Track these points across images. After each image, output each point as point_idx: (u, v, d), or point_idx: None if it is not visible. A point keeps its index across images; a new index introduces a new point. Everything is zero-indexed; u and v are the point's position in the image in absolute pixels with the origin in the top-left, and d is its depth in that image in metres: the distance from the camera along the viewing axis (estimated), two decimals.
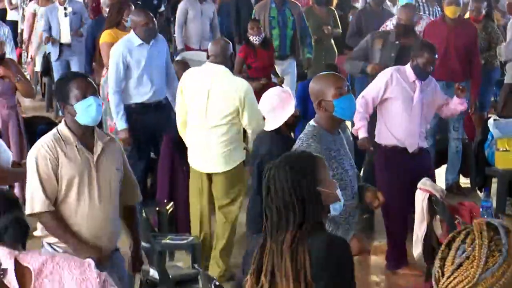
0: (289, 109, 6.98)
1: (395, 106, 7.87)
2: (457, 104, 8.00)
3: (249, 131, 7.71)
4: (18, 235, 3.52)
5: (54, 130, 5.17)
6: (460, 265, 2.64)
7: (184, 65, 9.02)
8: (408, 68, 7.85)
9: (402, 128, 7.86)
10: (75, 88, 5.05)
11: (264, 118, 7.31)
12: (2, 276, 2.39)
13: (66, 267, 3.32)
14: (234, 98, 7.49)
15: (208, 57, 7.73)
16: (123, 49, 8.85)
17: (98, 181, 5.11)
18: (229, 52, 7.71)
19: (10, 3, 16.50)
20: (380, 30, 10.50)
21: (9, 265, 3.21)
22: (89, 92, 5.06)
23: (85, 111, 5.02)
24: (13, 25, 14.75)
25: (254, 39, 10.93)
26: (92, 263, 3.39)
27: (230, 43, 8.05)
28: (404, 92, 7.83)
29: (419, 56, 7.74)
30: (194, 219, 7.84)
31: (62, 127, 5.15)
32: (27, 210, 5.02)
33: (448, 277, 2.65)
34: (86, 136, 5.13)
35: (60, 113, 13.05)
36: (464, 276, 2.63)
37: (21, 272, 3.22)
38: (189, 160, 7.80)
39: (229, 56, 7.69)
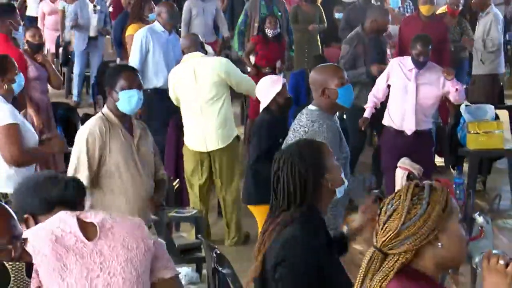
0: (277, 87, 6.92)
1: (394, 91, 8.00)
2: (454, 92, 8.04)
3: (245, 93, 7.81)
4: (80, 194, 3.51)
5: (100, 114, 5.20)
6: (389, 216, 2.77)
7: None
8: (409, 57, 7.97)
9: (399, 112, 7.95)
10: (123, 79, 5.10)
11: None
12: (24, 244, 2.33)
13: (122, 223, 3.37)
14: (217, 74, 7.56)
15: (193, 50, 7.78)
16: (146, 33, 8.87)
17: (140, 161, 5.16)
18: (198, 41, 7.85)
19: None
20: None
21: (73, 223, 3.24)
22: (134, 85, 5.12)
23: (127, 100, 5.06)
24: (34, 21, 14.66)
25: (269, 32, 10.85)
26: (142, 222, 3.46)
27: (197, 35, 8.26)
28: (402, 79, 7.95)
29: (413, 48, 7.85)
30: (194, 198, 7.83)
31: (106, 111, 5.18)
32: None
33: (382, 228, 2.78)
34: (125, 121, 5.18)
35: (75, 99, 13.18)
36: (392, 225, 2.75)
37: (85, 227, 3.27)
38: (187, 142, 7.79)
39: (199, 45, 7.81)
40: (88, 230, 3.26)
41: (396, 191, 2.83)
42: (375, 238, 2.81)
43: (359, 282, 2.80)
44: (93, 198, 5.14)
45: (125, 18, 11.32)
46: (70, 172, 5.15)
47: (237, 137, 7.85)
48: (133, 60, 8.75)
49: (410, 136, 7.91)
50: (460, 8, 11.21)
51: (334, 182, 3.84)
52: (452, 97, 8.07)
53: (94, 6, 13.27)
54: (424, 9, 10.18)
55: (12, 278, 2.20)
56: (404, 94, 7.91)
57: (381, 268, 2.76)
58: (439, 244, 2.75)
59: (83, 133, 5.18)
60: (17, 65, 6.01)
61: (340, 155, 5.08)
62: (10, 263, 2.21)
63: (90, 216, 3.32)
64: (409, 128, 7.90)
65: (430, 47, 7.92)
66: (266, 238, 3.75)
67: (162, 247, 3.48)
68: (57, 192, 3.39)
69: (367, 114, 8.26)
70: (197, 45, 7.76)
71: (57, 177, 3.54)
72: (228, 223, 7.79)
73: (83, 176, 5.00)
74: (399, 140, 7.90)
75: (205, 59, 7.73)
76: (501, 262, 2.74)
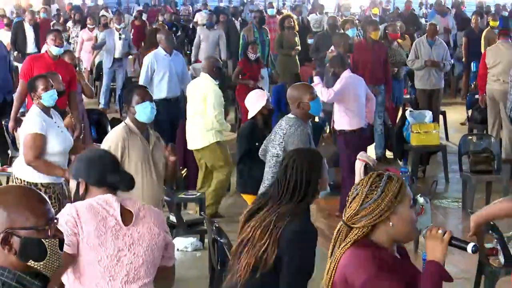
0: (262, 101, 6.85)
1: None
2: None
3: (211, 118, 7.60)
4: (128, 188, 3.43)
5: (123, 124, 5.06)
6: (353, 198, 2.80)
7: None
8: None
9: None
10: (137, 95, 4.99)
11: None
12: (56, 223, 2.24)
13: (151, 212, 3.34)
14: (203, 92, 7.63)
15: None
16: (152, 58, 8.85)
17: (154, 165, 5.00)
18: (212, 65, 7.81)
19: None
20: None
21: (117, 207, 3.23)
22: (146, 98, 5.00)
23: (142, 111, 4.94)
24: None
25: (251, 56, 10.96)
26: (162, 213, 3.42)
27: (216, 58, 8.38)
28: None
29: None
30: (199, 183, 7.90)
31: (128, 121, 5.03)
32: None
33: (348, 206, 2.82)
34: (143, 130, 5.01)
35: (102, 106, 13.19)
36: (353, 206, 2.79)
37: (124, 213, 3.25)
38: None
39: (212, 67, 7.78)
40: (126, 216, 3.25)
41: (361, 179, 2.87)
42: (343, 214, 2.83)
43: (331, 248, 2.85)
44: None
45: None
46: None
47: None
48: (141, 79, 8.85)
49: (358, 133, 7.87)
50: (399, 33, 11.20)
51: (322, 186, 3.83)
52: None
53: (120, 34, 13.30)
54: (374, 35, 10.01)
55: (48, 252, 2.19)
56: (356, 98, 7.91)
57: (346, 238, 2.80)
58: (390, 223, 2.76)
59: (108, 141, 5.03)
60: (46, 83, 5.75)
61: None
62: (46, 239, 2.19)
63: (129, 204, 3.30)
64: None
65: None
66: (262, 228, 3.60)
67: (171, 240, 3.42)
68: (113, 177, 3.34)
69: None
70: (209, 68, 7.78)
71: (119, 165, 3.50)
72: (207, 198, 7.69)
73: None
74: (354, 138, 7.81)
75: (202, 79, 7.75)
76: (440, 231, 2.81)
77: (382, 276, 2.69)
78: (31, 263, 2.18)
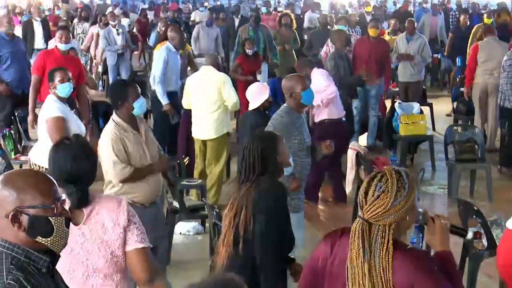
0: (264, 95, 6.98)
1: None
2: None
3: (229, 106, 7.59)
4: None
5: (113, 122, 4.86)
6: (378, 196, 2.67)
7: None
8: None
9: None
10: (132, 92, 4.87)
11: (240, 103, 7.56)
12: (63, 203, 2.28)
13: (106, 205, 3.19)
14: (216, 82, 7.49)
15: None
16: (166, 51, 8.71)
17: (149, 151, 4.92)
18: (218, 59, 7.85)
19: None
20: (325, 49, 10.55)
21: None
22: (139, 94, 4.93)
23: (139, 107, 4.88)
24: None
25: (248, 51, 10.95)
26: (123, 201, 3.24)
27: (217, 55, 8.32)
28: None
29: None
30: (197, 172, 7.81)
31: (117, 119, 4.86)
32: (115, 180, 4.78)
33: (370, 205, 2.68)
34: (133, 122, 4.90)
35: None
36: (381, 204, 2.67)
37: (76, 214, 3.13)
38: (193, 132, 7.72)
39: (216, 61, 7.75)
40: (77, 215, 3.13)
41: (377, 175, 2.72)
42: (360, 212, 2.71)
43: (360, 248, 2.67)
44: (125, 186, 4.83)
45: None
46: (109, 172, 4.81)
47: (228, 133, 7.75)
48: (158, 72, 8.59)
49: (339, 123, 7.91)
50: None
51: (282, 163, 3.85)
52: None
53: (117, 30, 13.37)
54: (371, 32, 10.16)
55: (55, 229, 2.23)
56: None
57: (372, 235, 2.67)
58: (407, 217, 2.71)
59: (106, 140, 4.82)
60: (63, 76, 5.90)
61: (292, 142, 5.10)
62: (53, 217, 2.23)
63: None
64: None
65: None
66: (243, 196, 3.69)
67: (137, 221, 3.24)
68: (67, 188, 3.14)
69: None
70: (212, 61, 7.74)
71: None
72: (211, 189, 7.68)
73: (122, 170, 4.75)
74: (335, 128, 7.79)
75: (212, 71, 7.62)
76: (443, 221, 2.80)
77: (441, 278, 2.65)
78: (39, 239, 2.22)
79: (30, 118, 8.00)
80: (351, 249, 2.69)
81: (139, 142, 4.89)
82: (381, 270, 2.63)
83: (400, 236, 2.75)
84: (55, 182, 2.29)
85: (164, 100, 8.54)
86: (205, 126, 7.60)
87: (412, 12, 19.42)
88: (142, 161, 4.87)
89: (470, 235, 2.85)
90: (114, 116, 4.91)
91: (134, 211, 3.26)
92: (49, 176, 2.30)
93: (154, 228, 4.71)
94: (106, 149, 4.79)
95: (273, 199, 3.68)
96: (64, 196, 2.32)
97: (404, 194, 2.67)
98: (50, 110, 5.74)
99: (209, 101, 7.52)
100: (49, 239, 2.23)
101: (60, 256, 2.31)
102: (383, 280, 2.63)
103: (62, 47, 8.06)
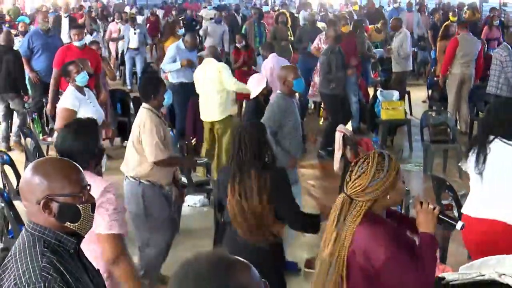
0: (263, 84, 6.89)
1: None
2: None
3: (231, 90, 7.63)
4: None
5: (149, 112, 4.76)
6: (359, 176, 2.68)
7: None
8: None
9: None
10: (162, 87, 4.83)
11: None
12: (89, 190, 2.20)
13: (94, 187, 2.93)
14: (215, 71, 7.48)
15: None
16: (176, 48, 8.75)
17: (170, 140, 4.91)
18: (216, 51, 7.85)
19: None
20: (315, 43, 10.47)
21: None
22: (166, 88, 4.91)
23: (168, 97, 4.85)
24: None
25: (239, 45, 10.90)
26: (110, 186, 3.06)
27: (217, 48, 8.32)
28: None
29: None
30: (203, 152, 7.78)
31: (150, 107, 4.78)
32: (151, 158, 4.67)
33: (352, 182, 2.69)
34: (159, 112, 4.88)
35: (128, 87, 13.14)
36: (360, 183, 2.67)
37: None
38: (201, 115, 7.71)
39: (215, 53, 7.75)
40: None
41: (363, 157, 2.71)
42: (345, 187, 2.70)
43: (336, 218, 2.68)
44: (155, 168, 4.76)
45: None
46: (151, 152, 4.69)
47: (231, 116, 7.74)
48: (164, 63, 8.72)
49: None
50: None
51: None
52: None
53: (134, 29, 13.29)
54: (343, 28, 10.36)
55: (82, 215, 2.18)
56: None
57: (350, 209, 2.67)
58: (388, 196, 2.68)
59: (150, 122, 4.72)
60: (77, 67, 5.84)
61: (288, 122, 5.21)
62: (80, 204, 2.17)
63: None
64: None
65: None
66: (246, 181, 3.62)
67: (111, 209, 3.02)
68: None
69: None
70: (213, 53, 7.72)
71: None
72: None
73: (162, 151, 4.68)
74: None
75: (212, 61, 7.61)
76: (431, 206, 2.74)
77: (401, 253, 2.59)
78: (67, 224, 2.17)
79: (48, 106, 8.01)
80: (329, 219, 2.71)
81: (165, 128, 4.90)
82: (344, 238, 2.64)
83: (381, 212, 2.73)
84: (81, 170, 2.22)
85: (175, 66, 8.62)
86: (211, 109, 7.59)
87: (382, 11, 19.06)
88: (169, 148, 4.85)
89: (459, 226, 2.78)
90: (146, 106, 4.81)
91: (115, 199, 3.04)
92: (77, 164, 2.23)
93: (170, 203, 4.90)
94: (150, 131, 4.71)
95: (283, 178, 3.69)
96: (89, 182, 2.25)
97: (381, 176, 2.65)
98: (65, 100, 5.73)
99: (212, 87, 7.52)
100: (77, 224, 2.17)
101: (84, 237, 2.24)
102: (344, 246, 2.64)
103: (77, 43, 8.09)
